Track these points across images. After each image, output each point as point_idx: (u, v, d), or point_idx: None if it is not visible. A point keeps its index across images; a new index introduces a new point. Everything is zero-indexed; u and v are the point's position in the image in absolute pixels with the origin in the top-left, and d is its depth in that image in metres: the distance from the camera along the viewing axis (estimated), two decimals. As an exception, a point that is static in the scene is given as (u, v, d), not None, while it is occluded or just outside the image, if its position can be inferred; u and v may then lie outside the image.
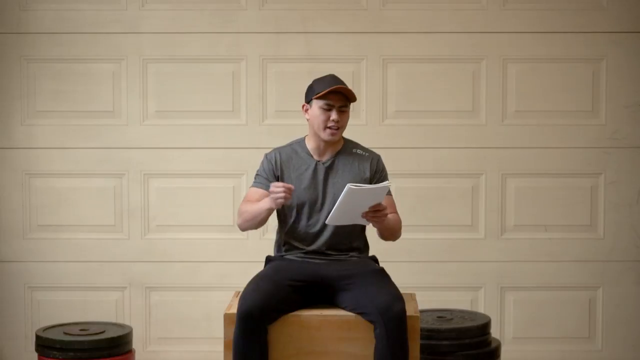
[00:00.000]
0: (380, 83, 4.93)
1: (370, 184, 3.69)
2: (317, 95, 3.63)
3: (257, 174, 3.75)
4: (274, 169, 3.70)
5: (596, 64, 4.92)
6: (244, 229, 3.69)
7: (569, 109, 4.94)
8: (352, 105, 3.72)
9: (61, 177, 4.97)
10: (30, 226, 4.98)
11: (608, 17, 4.90)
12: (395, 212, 3.76)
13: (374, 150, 3.81)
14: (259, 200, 3.65)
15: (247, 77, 4.93)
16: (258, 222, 3.64)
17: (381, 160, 3.78)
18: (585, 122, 4.94)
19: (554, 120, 4.94)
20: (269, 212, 3.59)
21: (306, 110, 3.71)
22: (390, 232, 3.71)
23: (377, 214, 3.51)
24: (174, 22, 4.93)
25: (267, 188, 3.66)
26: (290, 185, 3.51)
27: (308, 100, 3.70)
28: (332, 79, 3.68)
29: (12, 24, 4.93)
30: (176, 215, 4.97)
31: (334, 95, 3.63)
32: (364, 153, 3.76)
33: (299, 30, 4.92)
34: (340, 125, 3.64)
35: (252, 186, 3.75)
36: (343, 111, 3.65)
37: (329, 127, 3.63)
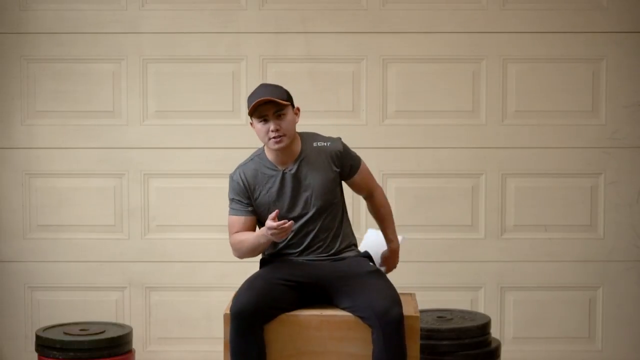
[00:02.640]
0: (380, 83, 4.93)
1: (342, 174, 3.66)
2: (250, 112, 3.56)
3: (230, 199, 3.67)
4: (245, 190, 3.63)
5: (596, 64, 4.92)
6: (243, 258, 3.69)
7: (569, 109, 4.94)
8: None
9: (61, 177, 4.97)
10: (30, 226, 4.98)
11: (608, 17, 4.90)
12: (376, 185, 3.77)
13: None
14: (242, 228, 3.62)
15: (247, 77, 4.93)
16: (259, 253, 3.63)
17: (340, 142, 3.66)
18: (585, 122, 4.94)
19: (554, 120, 4.94)
20: (267, 244, 3.57)
21: (253, 126, 3.62)
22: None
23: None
24: (174, 22, 4.93)
25: (245, 213, 3.63)
26: (288, 225, 3.42)
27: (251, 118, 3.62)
28: (259, 90, 3.59)
29: (12, 24, 4.93)
30: (176, 215, 4.97)
31: (263, 106, 3.53)
32: (324, 144, 3.66)
33: (299, 30, 4.92)
34: (283, 132, 3.54)
35: (231, 214, 3.67)
36: (280, 116, 3.54)
37: (272, 138, 3.55)
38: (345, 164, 3.67)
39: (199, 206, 4.95)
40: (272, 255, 3.70)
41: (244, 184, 3.63)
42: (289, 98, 3.61)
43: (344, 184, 3.74)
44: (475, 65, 4.93)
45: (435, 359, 3.97)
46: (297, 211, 3.61)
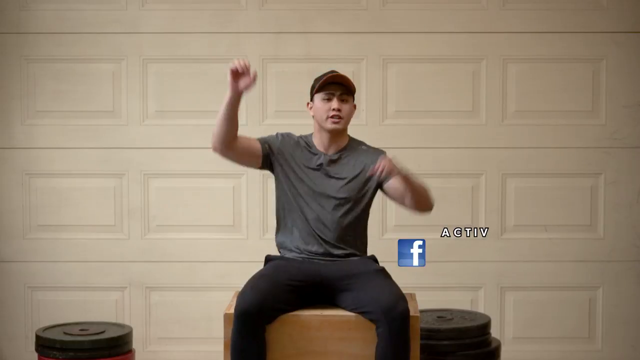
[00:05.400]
0: (380, 83, 4.93)
1: (378, 180, 3.71)
2: (317, 88, 3.69)
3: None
4: (278, 143, 3.72)
5: (596, 64, 4.92)
6: (218, 142, 3.62)
7: (569, 109, 4.94)
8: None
9: (61, 177, 4.97)
10: (30, 226, 4.98)
11: (608, 17, 4.90)
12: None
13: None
14: (245, 139, 3.66)
15: (247, 77, 4.93)
16: (229, 115, 3.55)
17: (384, 153, 3.75)
18: (585, 122, 4.94)
19: (554, 120, 4.94)
20: (232, 100, 3.52)
21: (310, 108, 3.75)
22: (420, 194, 3.67)
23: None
24: (174, 22, 4.93)
25: (257, 141, 3.70)
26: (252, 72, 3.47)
27: (311, 97, 3.74)
28: (330, 72, 3.74)
29: (12, 24, 4.93)
30: (176, 215, 4.97)
31: (333, 85, 3.68)
32: (369, 149, 3.78)
33: (299, 30, 4.92)
34: (342, 115, 3.67)
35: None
36: (344, 100, 3.68)
37: (331, 117, 3.66)
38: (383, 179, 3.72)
39: (199, 206, 4.95)
40: (282, 247, 3.73)
41: (280, 143, 3.72)
42: (354, 91, 3.75)
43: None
44: (475, 65, 4.93)
45: (435, 359, 3.97)
46: (323, 195, 3.66)
